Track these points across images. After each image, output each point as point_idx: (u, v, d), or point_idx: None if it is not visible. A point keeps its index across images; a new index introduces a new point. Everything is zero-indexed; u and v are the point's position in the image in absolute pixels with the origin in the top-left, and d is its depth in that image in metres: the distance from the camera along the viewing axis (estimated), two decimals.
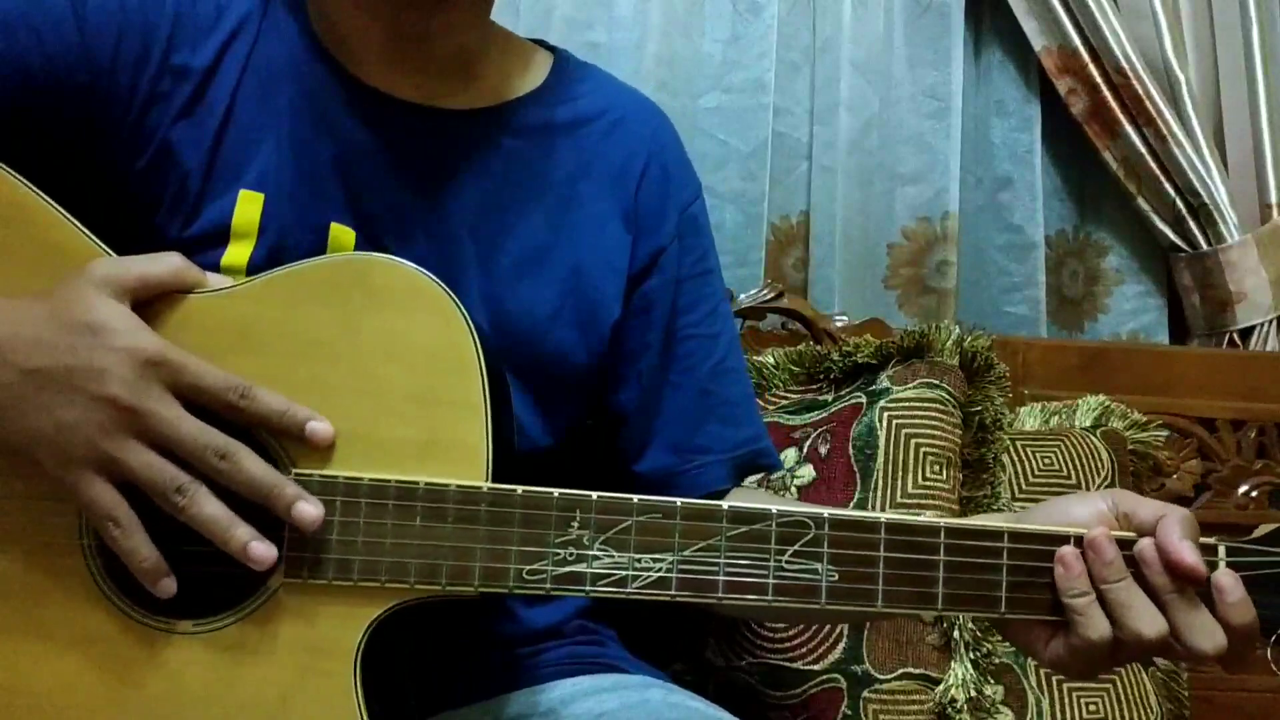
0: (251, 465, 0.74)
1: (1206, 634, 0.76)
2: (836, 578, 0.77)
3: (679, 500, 0.78)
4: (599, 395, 1.00)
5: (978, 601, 0.78)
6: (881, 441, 1.25)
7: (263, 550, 0.74)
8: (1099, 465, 1.39)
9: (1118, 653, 0.77)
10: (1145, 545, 0.77)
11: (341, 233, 0.89)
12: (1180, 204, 1.70)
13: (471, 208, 0.93)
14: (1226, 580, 0.76)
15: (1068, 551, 0.77)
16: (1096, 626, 0.76)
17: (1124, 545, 0.78)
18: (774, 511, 0.77)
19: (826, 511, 0.77)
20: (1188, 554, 0.75)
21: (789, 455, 1.29)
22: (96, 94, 0.86)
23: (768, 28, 1.68)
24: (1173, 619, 0.76)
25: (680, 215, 1.02)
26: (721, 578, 0.77)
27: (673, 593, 0.77)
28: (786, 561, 0.77)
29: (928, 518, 0.79)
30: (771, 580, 0.77)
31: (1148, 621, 0.75)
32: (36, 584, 0.77)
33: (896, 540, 0.77)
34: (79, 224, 0.81)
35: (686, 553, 0.77)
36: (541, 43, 1.04)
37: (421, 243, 0.90)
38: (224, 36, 0.89)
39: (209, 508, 0.73)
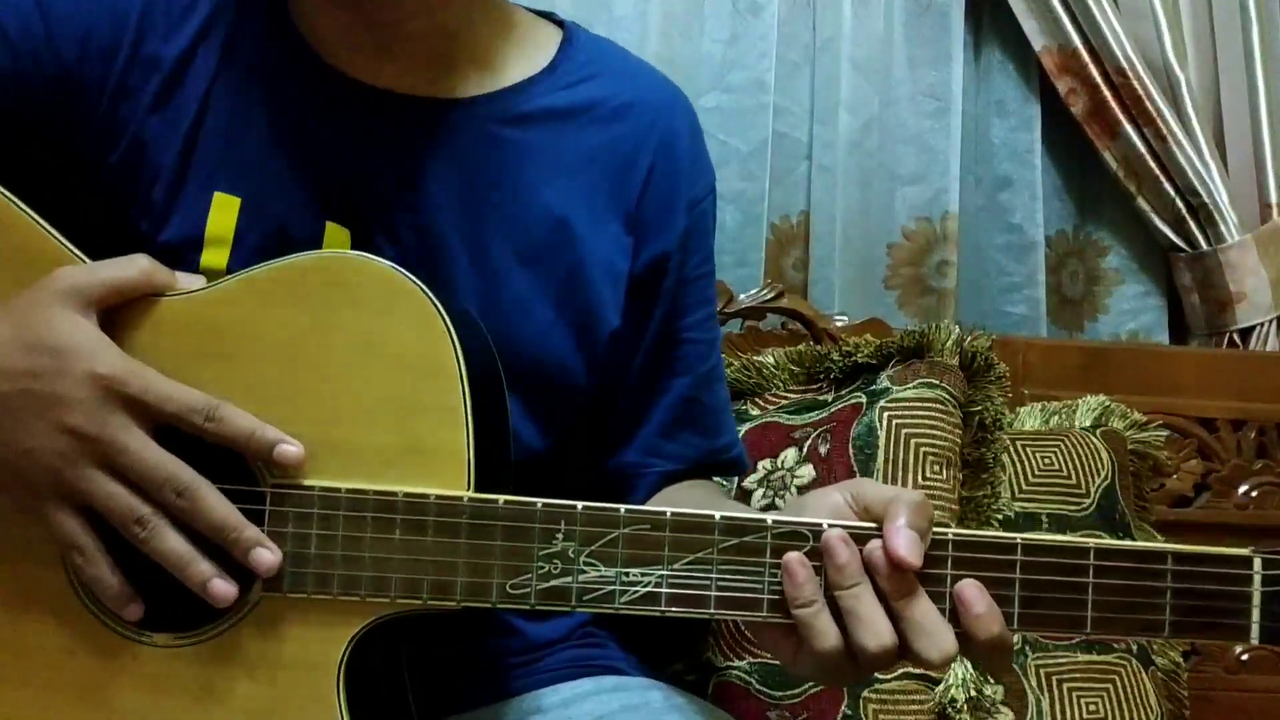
0: (211, 505, 0.72)
1: (933, 643, 0.69)
2: None
3: (668, 510, 0.74)
4: (595, 400, 0.96)
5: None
6: (881, 441, 1.24)
7: (223, 588, 0.72)
8: (1099, 465, 1.39)
9: (855, 662, 0.70)
10: (872, 548, 0.70)
11: (333, 233, 0.87)
12: (1180, 204, 1.70)
13: (462, 204, 0.89)
14: (970, 592, 0.70)
15: (792, 559, 0.71)
16: (824, 638, 0.70)
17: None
18: (768, 522, 0.73)
19: (825, 522, 0.72)
20: (901, 543, 0.69)
21: (789, 455, 1.29)
22: (67, 87, 0.84)
23: (768, 28, 1.67)
24: (902, 626, 0.70)
25: (690, 213, 0.96)
26: (714, 593, 0.73)
27: (662, 608, 0.73)
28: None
29: (937, 529, 0.73)
30: (766, 596, 0.72)
31: (872, 634, 0.69)
32: (18, 596, 0.76)
33: None
34: (49, 227, 0.78)
35: (676, 566, 0.73)
36: (550, 16, 0.98)
37: (410, 239, 0.87)
38: (197, 25, 0.86)
39: (169, 543, 0.72)
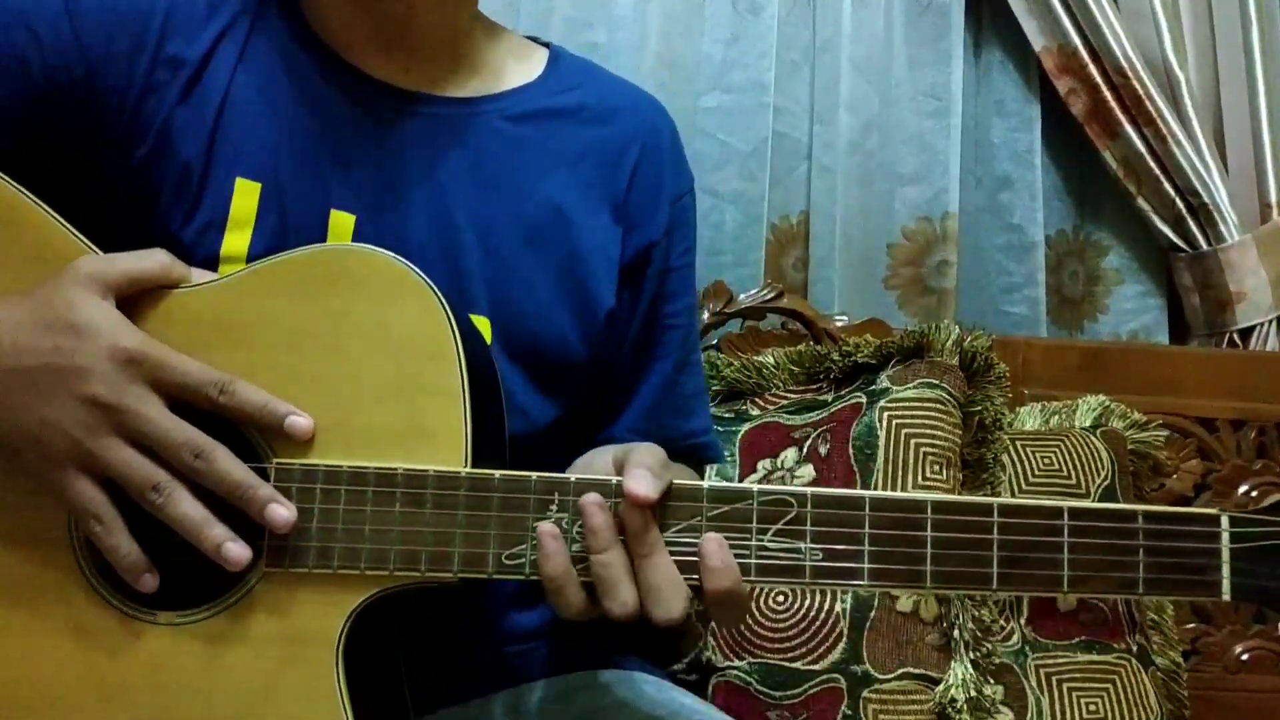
0: (227, 465, 0.75)
1: (661, 603, 0.74)
2: (820, 556, 0.75)
3: None
4: (592, 377, 1.01)
5: (971, 579, 0.76)
6: (881, 441, 1.25)
7: (237, 551, 0.74)
8: (1099, 465, 1.39)
9: (601, 618, 0.75)
10: (625, 509, 0.74)
11: (341, 219, 0.90)
12: (1180, 204, 1.70)
13: (469, 190, 0.93)
14: (710, 546, 0.74)
15: (544, 529, 0.75)
16: (570, 605, 0.75)
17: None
18: (755, 490, 0.76)
19: (809, 490, 0.76)
20: (632, 481, 0.73)
21: (789, 455, 1.29)
22: (93, 88, 0.87)
23: (768, 28, 1.68)
24: (640, 582, 0.74)
25: (672, 207, 1.03)
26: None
27: None
28: (769, 541, 0.76)
29: (915, 494, 0.77)
30: (754, 561, 0.76)
31: (619, 603, 0.74)
32: (26, 577, 0.78)
33: (882, 517, 0.76)
34: (68, 225, 0.81)
35: (667, 534, 0.75)
36: (535, 39, 1.05)
37: (421, 225, 0.91)
38: (218, 28, 0.90)
39: (184, 507, 0.74)
